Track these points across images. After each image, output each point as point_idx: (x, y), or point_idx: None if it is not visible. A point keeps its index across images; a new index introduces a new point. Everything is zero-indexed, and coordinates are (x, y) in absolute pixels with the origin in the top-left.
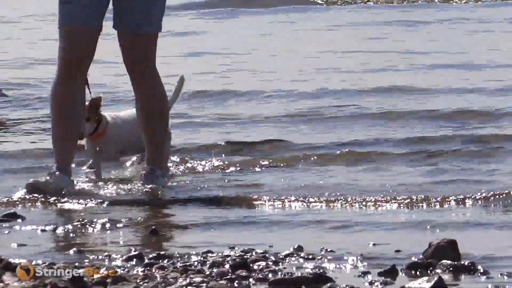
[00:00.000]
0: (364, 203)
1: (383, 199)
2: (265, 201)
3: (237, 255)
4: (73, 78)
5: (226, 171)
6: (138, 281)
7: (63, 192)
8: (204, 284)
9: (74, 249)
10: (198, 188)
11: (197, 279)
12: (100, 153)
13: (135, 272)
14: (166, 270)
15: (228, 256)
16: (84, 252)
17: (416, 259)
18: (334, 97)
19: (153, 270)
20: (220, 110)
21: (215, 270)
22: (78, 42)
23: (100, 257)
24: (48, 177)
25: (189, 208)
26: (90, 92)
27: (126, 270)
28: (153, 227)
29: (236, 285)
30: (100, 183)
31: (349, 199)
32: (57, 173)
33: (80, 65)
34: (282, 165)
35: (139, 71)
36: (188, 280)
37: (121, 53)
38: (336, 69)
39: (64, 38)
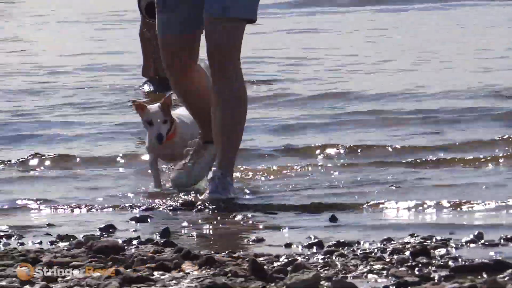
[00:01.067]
0: None
1: None
2: None
3: (417, 242)
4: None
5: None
6: (318, 268)
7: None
8: (385, 271)
9: (254, 237)
10: None
11: (378, 266)
12: (157, 159)
13: (315, 259)
14: (346, 257)
15: (408, 243)
16: (263, 240)
17: None
18: None
19: (333, 258)
20: None
21: (395, 257)
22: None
23: (278, 245)
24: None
25: None
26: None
27: (306, 257)
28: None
29: (416, 272)
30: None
31: None
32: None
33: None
34: None
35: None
36: (368, 267)
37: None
38: None
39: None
